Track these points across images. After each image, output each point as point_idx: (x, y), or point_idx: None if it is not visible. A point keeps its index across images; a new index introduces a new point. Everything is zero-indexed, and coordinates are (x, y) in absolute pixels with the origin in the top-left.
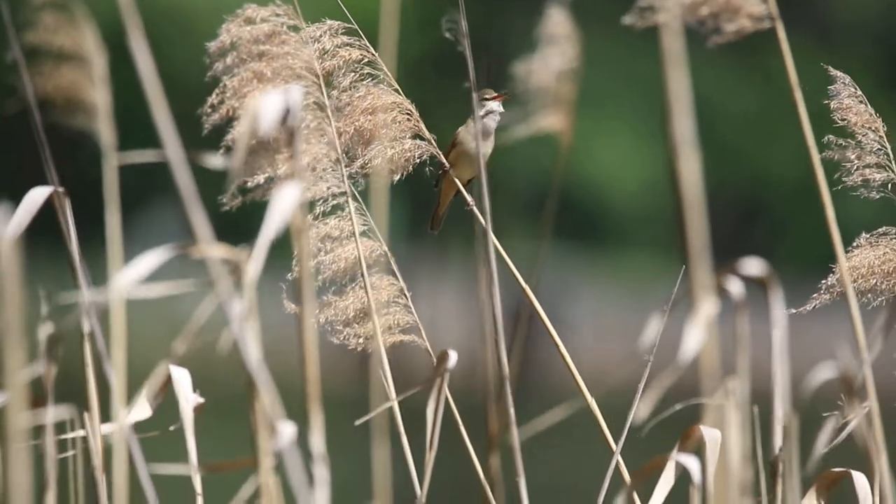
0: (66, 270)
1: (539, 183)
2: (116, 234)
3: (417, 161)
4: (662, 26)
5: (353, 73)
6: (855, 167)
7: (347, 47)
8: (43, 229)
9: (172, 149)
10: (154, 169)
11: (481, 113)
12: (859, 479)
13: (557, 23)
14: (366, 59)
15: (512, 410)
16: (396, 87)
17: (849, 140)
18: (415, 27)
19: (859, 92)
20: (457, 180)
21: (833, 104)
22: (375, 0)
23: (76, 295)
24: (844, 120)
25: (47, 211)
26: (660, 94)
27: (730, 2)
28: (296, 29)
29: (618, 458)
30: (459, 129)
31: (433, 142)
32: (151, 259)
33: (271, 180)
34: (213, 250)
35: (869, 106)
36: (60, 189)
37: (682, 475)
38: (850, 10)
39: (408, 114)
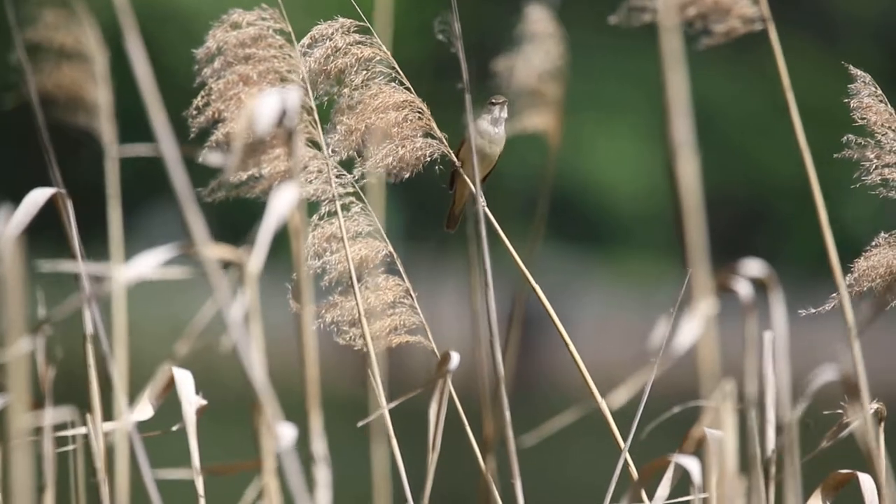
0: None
1: (537, 184)
2: (118, 228)
3: (428, 159)
4: (660, 26)
5: (364, 72)
6: (874, 166)
7: (360, 45)
8: (46, 228)
9: (168, 146)
10: (154, 172)
11: (488, 117)
12: (866, 480)
13: (538, 20)
14: (377, 58)
15: (508, 413)
16: (408, 85)
17: (868, 139)
18: (412, 29)
19: (879, 91)
20: (468, 179)
21: (853, 103)
22: (368, 2)
23: (78, 289)
24: (864, 119)
25: (50, 210)
26: (660, 95)
27: (719, 2)
28: (282, 32)
29: (626, 456)
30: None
31: (444, 140)
32: (154, 256)
33: (256, 178)
34: (215, 250)
35: (889, 105)
36: (62, 190)
37: (687, 476)
38: (850, 8)
39: (419, 112)
